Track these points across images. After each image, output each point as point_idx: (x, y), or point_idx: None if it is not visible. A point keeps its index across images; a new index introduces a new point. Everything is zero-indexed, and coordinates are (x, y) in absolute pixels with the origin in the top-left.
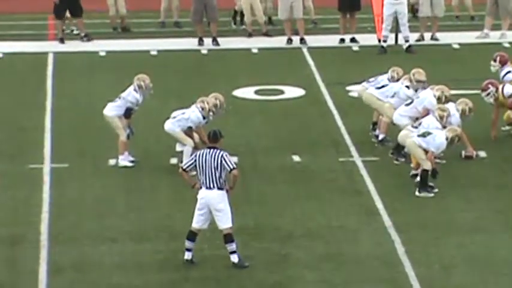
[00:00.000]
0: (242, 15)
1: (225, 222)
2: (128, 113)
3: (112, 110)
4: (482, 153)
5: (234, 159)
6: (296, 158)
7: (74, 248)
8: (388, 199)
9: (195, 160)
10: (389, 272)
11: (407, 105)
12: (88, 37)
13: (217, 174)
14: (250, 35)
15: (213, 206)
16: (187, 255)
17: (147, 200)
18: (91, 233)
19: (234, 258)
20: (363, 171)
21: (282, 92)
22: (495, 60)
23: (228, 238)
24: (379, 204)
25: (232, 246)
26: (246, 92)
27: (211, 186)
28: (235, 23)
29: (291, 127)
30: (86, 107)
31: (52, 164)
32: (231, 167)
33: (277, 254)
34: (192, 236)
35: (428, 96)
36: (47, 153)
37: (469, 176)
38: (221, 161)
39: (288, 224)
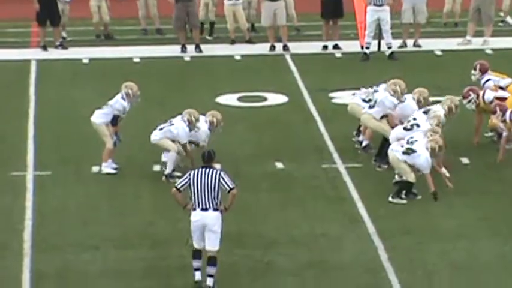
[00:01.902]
0: (211, 25)
1: (214, 244)
2: (115, 120)
3: (99, 117)
4: (465, 160)
5: (217, 166)
6: (279, 165)
7: (57, 255)
8: (371, 206)
9: (189, 179)
10: (372, 278)
11: (407, 129)
12: (63, 46)
13: (214, 194)
14: (233, 42)
15: (208, 227)
16: (198, 276)
17: (130, 207)
18: (74, 240)
19: (210, 282)
20: (346, 178)
21: (265, 99)
22: (475, 69)
23: (213, 261)
24: (363, 211)
25: (213, 270)
26: (229, 99)
27: (207, 206)
28: (210, 34)
29: (274, 134)
30: (68, 114)
31: (35, 171)
32: (231, 186)
33: (260, 261)
34: (197, 254)
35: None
36: (30, 161)
37: (452, 182)
38: (219, 180)
39: (271, 231)
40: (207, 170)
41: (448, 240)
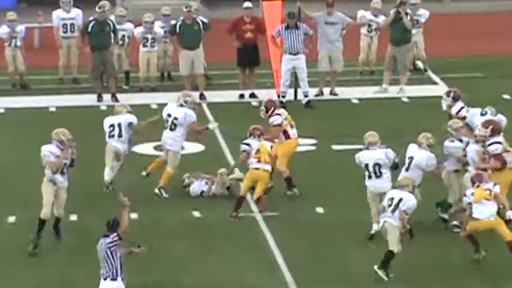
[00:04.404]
0: (126, 74)
1: None
2: None
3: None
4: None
5: (134, 215)
6: (196, 214)
7: None
8: (289, 254)
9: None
10: None
11: None
12: None
13: (109, 263)
14: (141, 90)
15: None
16: None
17: (47, 259)
18: None
19: None
20: (263, 226)
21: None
22: (448, 95)
23: None
24: (280, 259)
25: None
26: (145, 148)
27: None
28: (126, 84)
29: None
30: None
31: None
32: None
33: None
34: None
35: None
36: None
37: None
38: (106, 250)
39: (188, 279)
40: (103, 239)
41: (365, 287)
